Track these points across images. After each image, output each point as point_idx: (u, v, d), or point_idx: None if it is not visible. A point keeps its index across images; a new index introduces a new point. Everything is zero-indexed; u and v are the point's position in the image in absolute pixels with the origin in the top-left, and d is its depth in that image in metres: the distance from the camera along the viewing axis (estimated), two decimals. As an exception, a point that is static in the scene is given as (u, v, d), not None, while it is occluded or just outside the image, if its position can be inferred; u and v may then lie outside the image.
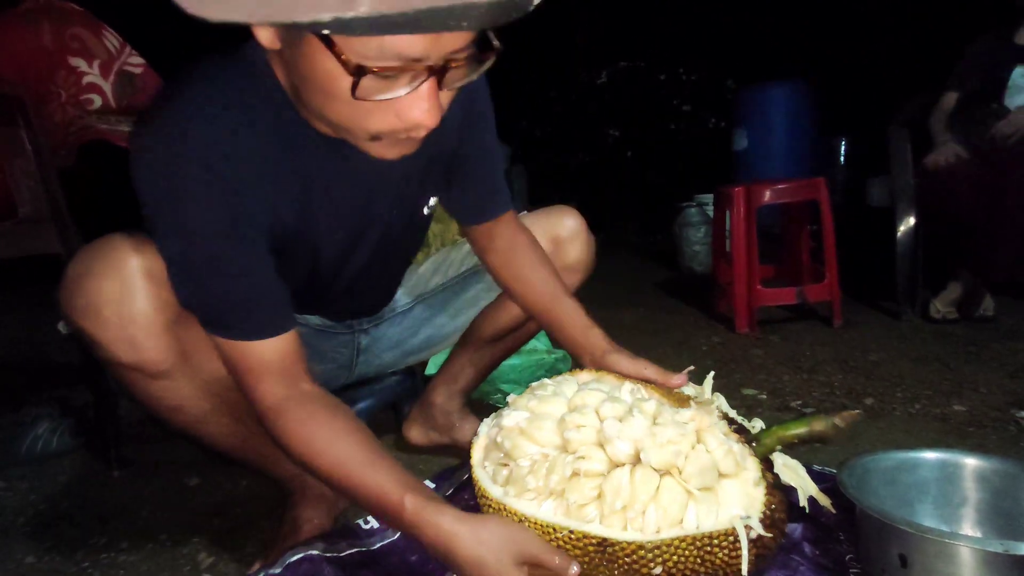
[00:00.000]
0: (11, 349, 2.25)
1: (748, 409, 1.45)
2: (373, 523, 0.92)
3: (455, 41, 0.58)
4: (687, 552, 0.65)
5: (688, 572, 0.65)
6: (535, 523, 0.68)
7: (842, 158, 4.13)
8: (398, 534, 0.89)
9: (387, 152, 0.69)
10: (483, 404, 1.49)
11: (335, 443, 0.72)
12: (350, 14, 0.49)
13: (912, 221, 2.18)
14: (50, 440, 1.40)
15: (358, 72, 0.57)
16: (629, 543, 0.65)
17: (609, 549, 0.66)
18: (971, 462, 0.83)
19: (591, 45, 4.81)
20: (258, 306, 0.75)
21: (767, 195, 2.19)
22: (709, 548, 0.65)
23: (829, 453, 1.20)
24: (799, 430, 0.74)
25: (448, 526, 0.65)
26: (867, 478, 0.82)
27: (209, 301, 0.75)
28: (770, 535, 0.67)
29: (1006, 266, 1.91)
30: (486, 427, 0.82)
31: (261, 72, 0.72)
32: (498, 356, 1.23)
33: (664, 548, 0.64)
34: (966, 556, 0.67)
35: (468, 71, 0.64)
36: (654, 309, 2.62)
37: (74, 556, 1.01)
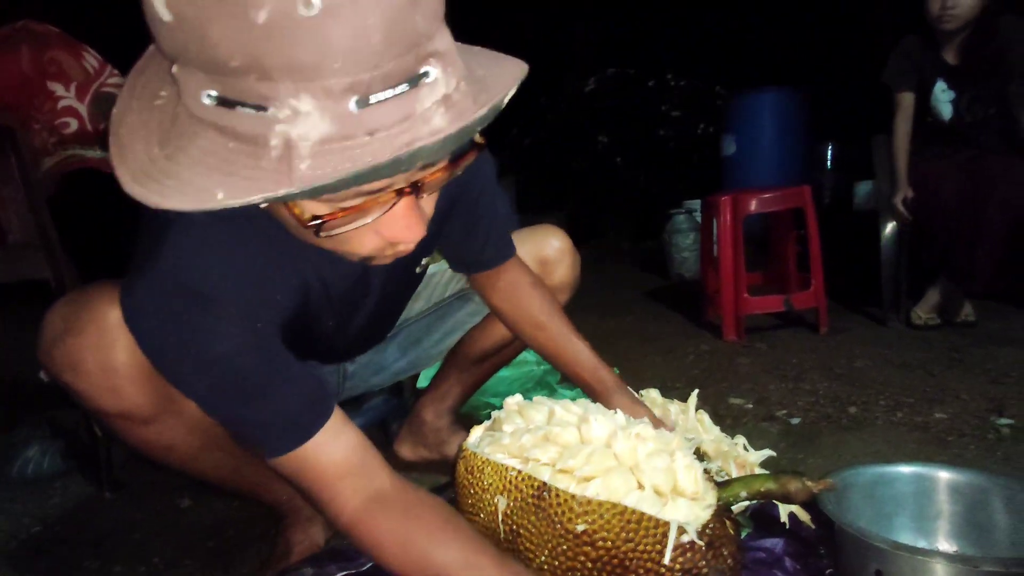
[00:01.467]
0: (2, 370, 2.25)
1: (734, 419, 1.47)
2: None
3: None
4: (613, 521, 0.66)
5: (608, 542, 0.66)
6: (491, 464, 0.74)
7: (829, 163, 4.18)
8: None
9: (384, 261, 0.66)
10: (473, 418, 1.50)
11: (435, 549, 0.67)
12: (282, 191, 0.46)
13: (894, 226, 2.21)
14: (41, 462, 1.40)
15: (315, 221, 0.54)
16: (564, 492, 0.68)
17: (545, 496, 0.69)
18: (945, 475, 0.85)
19: (580, 51, 4.84)
20: (301, 403, 0.69)
21: (753, 204, 2.22)
22: (636, 528, 0.65)
23: (808, 467, 1.22)
24: (769, 486, 0.73)
25: None
26: (846, 493, 0.84)
27: (258, 422, 0.69)
28: (703, 552, 0.66)
29: (984, 279, 1.95)
30: (481, 429, 0.85)
31: None
32: (486, 373, 1.25)
33: (594, 508, 0.66)
34: (940, 571, 0.69)
35: (448, 173, 0.58)
36: (643, 316, 2.65)
37: (67, 581, 1.02)
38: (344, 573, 0.88)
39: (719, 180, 4.08)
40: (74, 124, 1.20)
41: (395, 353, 1.18)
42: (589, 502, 0.67)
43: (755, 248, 2.51)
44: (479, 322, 1.17)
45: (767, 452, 0.92)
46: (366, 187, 0.52)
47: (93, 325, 0.72)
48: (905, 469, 0.88)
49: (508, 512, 0.72)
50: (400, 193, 0.55)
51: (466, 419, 1.39)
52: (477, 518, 0.77)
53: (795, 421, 1.44)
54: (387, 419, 1.34)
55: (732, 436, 0.96)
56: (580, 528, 0.66)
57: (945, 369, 1.74)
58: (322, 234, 0.56)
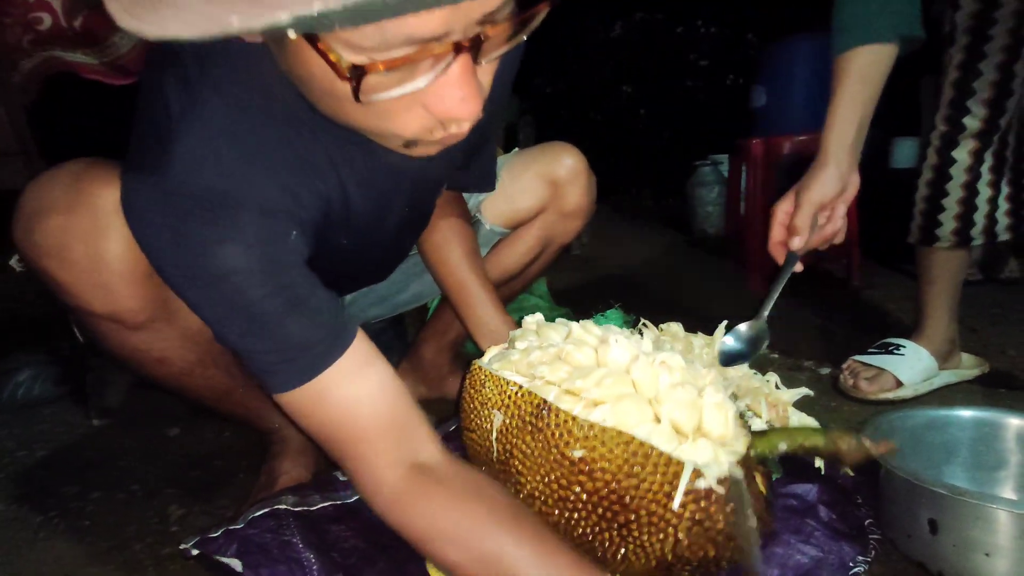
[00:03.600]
0: None
1: (759, 369, 1.37)
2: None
3: (485, 2, 0.42)
4: (617, 451, 0.56)
5: (608, 474, 0.56)
6: (491, 377, 0.66)
7: (866, 117, 3.96)
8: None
9: (428, 151, 0.55)
10: (474, 358, 1.42)
11: (505, 544, 0.56)
12: (316, 7, 0.33)
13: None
14: (31, 387, 1.35)
15: (355, 73, 0.42)
16: (565, 412, 0.58)
17: (544, 415, 0.59)
18: (1013, 421, 0.75)
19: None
20: (316, 327, 0.59)
21: (786, 147, 2.08)
22: (642, 462, 0.55)
23: (843, 415, 1.12)
24: (815, 441, 0.61)
25: None
26: (892, 437, 0.74)
27: (266, 348, 0.58)
28: (722, 504, 0.56)
29: None
30: (496, 349, 0.76)
31: (264, 67, 0.55)
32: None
33: (596, 434, 0.56)
34: (1006, 522, 0.59)
35: (511, 32, 0.47)
36: (664, 271, 2.54)
37: (43, 505, 0.96)
38: (329, 503, 0.80)
39: (748, 134, 3.88)
40: (48, 20, 1.10)
41: (397, 283, 1.09)
42: (592, 427, 0.57)
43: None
44: (487, 252, 1.07)
45: (803, 390, 0.82)
46: (419, 31, 0.41)
47: (85, 206, 0.61)
48: (964, 413, 0.78)
49: (503, 430, 0.63)
50: (458, 49, 0.44)
51: (470, 360, 1.31)
52: (473, 435, 0.69)
53: (824, 371, 1.34)
54: (386, 351, 1.25)
55: (761, 377, 0.86)
56: (578, 454, 0.57)
57: (988, 325, 1.61)
58: (362, 98, 0.44)
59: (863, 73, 0.82)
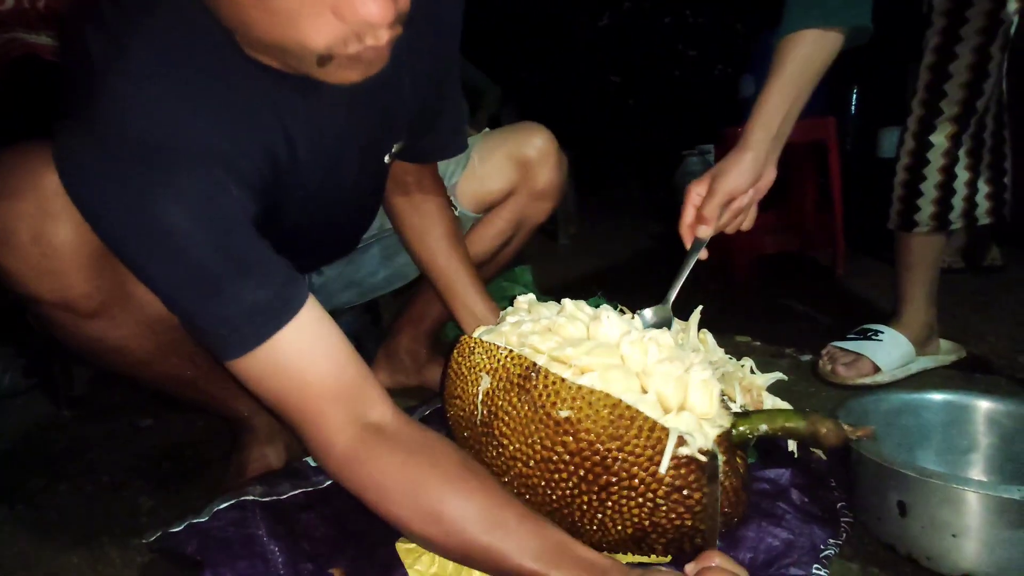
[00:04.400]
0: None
1: (739, 356, 1.37)
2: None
3: None
4: (603, 412, 0.56)
5: (592, 435, 0.56)
6: (481, 343, 0.66)
7: (852, 107, 3.96)
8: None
9: (348, 74, 0.53)
10: (452, 345, 1.41)
11: (451, 499, 0.55)
12: None
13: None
14: (1, 379, 1.33)
15: None
16: (554, 375, 0.59)
17: (532, 377, 0.60)
18: (982, 404, 0.75)
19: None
20: (267, 287, 0.57)
21: (771, 136, 2.06)
22: (627, 425, 0.55)
23: (820, 400, 1.12)
24: (795, 425, 0.60)
25: None
26: (865, 420, 0.74)
27: (216, 311, 0.56)
28: (700, 474, 0.56)
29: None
30: (485, 327, 0.75)
31: (185, 4, 0.55)
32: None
33: (584, 395, 0.57)
34: (974, 503, 0.59)
35: None
36: (651, 262, 2.53)
37: (10, 498, 0.94)
38: (299, 491, 0.79)
39: (736, 124, 3.87)
40: (9, 1, 1.07)
41: (369, 266, 1.07)
42: (579, 388, 0.58)
43: (771, 188, 2.37)
44: (469, 236, 1.06)
45: (776, 375, 0.81)
46: None
47: (29, 190, 0.59)
48: (936, 396, 0.77)
49: (490, 391, 0.63)
50: None
51: (446, 347, 1.29)
52: (457, 401, 0.69)
53: (805, 358, 1.34)
54: (360, 337, 1.24)
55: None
56: (564, 414, 0.57)
57: (970, 312, 1.61)
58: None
59: (803, 60, 0.79)
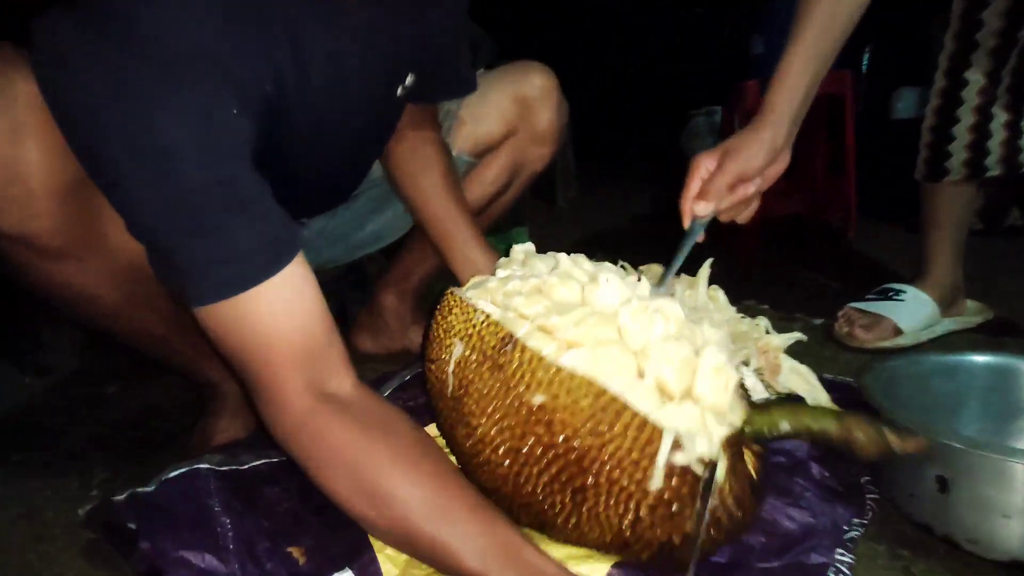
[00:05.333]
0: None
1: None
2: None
3: None
4: (583, 403, 0.47)
5: (569, 430, 0.47)
6: (459, 303, 0.58)
7: (864, 67, 3.82)
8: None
9: None
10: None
11: (396, 481, 0.51)
12: None
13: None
14: (-38, 345, 1.25)
15: None
16: (532, 350, 0.50)
17: (507, 351, 0.51)
18: (1032, 366, 0.66)
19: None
20: (255, 233, 0.52)
21: (783, 89, 1.94)
22: (611, 421, 0.47)
23: (840, 363, 1.03)
24: (825, 425, 0.50)
25: None
26: (894, 386, 0.66)
27: (195, 248, 0.51)
28: (693, 486, 0.47)
29: None
30: (479, 278, 0.66)
31: None
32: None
33: (563, 380, 0.48)
34: (1027, 478, 0.51)
35: None
36: (653, 225, 2.44)
37: (-42, 469, 0.87)
38: (262, 461, 0.71)
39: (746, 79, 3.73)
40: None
41: (355, 219, 0.98)
42: (559, 371, 0.48)
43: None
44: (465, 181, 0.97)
45: (796, 335, 0.72)
46: None
47: None
48: (976, 359, 0.69)
49: (461, 362, 0.54)
50: None
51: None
52: (432, 366, 0.60)
53: (817, 322, 1.25)
54: (345, 301, 1.16)
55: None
56: (537, 400, 0.48)
57: (988, 274, 1.52)
58: None
59: (829, 18, 0.68)
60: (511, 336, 0.51)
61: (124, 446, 0.91)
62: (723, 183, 0.68)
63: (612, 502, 0.47)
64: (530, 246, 0.68)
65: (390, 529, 0.51)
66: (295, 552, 0.58)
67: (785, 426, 0.51)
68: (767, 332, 0.73)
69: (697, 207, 0.69)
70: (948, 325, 1.11)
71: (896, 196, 1.12)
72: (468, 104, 0.91)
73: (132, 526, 0.57)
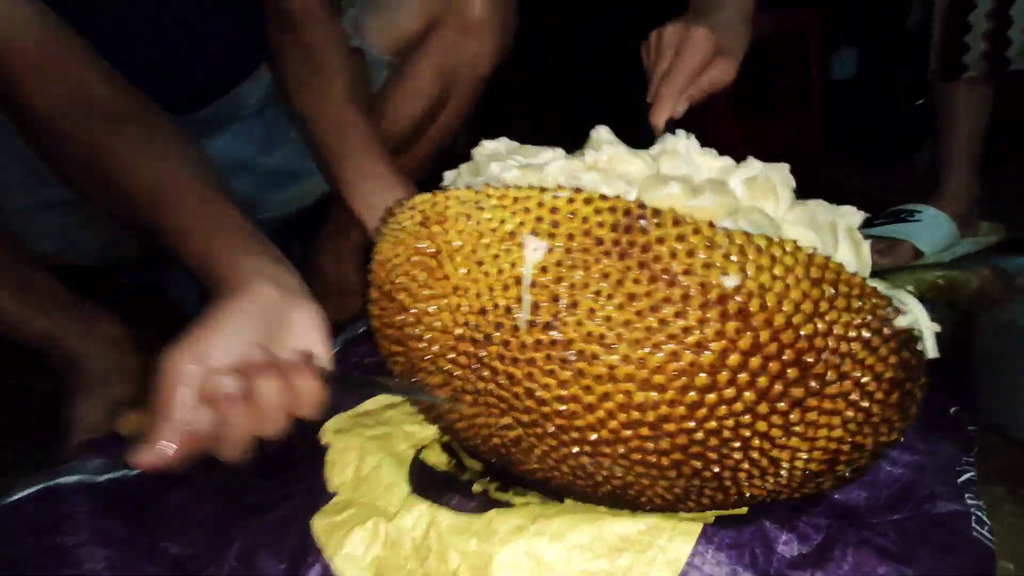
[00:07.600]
0: None
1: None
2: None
3: None
4: (798, 270, 0.33)
5: (781, 316, 0.33)
6: (497, 192, 0.37)
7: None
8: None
9: None
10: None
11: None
12: None
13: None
14: None
15: None
16: (696, 218, 0.34)
17: (642, 226, 0.34)
18: None
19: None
20: None
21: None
22: (829, 284, 0.34)
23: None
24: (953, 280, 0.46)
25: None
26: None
27: None
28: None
29: None
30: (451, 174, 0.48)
31: None
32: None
33: (765, 247, 0.33)
34: None
35: None
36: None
37: None
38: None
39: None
40: None
41: (260, 140, 0.77)
42: (742, 236, 0.34)
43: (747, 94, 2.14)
44: (381, 99, 0.77)
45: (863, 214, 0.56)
46: None
47: None
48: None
49: (548, 267, 0.35)
50: None
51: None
52: (428, 317, 0.40)
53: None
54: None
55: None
56: (730, 282, 0.33)
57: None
58: None
59: None
60: (642, 205, 0.34)
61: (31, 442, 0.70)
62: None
63: (842, 404, 0.34)
64: (504, 140, 0.50)
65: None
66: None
67: (909, 288, 0.40)
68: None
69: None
70: (967, 246, 1.00)
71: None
72: None
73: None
